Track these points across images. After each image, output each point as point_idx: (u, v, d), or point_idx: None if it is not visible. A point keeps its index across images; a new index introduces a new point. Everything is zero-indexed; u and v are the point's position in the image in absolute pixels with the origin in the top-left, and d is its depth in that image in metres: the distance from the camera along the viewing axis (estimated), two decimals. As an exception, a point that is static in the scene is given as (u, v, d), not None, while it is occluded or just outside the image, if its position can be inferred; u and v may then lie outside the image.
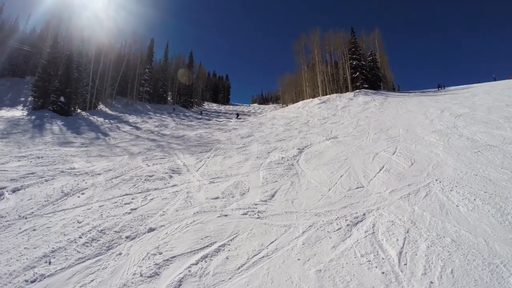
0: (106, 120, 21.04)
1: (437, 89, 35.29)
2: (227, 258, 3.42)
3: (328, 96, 34.44)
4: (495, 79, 33.90)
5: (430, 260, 3.17)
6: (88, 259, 3.33)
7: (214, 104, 59.81)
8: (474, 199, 4.64)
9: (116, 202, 5.11)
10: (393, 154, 7.93)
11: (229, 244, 3.75)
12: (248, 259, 3.40)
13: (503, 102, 14.93)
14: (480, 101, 16.88)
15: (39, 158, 8.01)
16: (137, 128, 18.54)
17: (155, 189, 5.99)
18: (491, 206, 4.35)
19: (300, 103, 35.60)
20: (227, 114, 37.29)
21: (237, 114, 32.84)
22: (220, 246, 3.69)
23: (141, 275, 3.03)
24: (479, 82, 34.51)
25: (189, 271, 3.13)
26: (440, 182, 5.55)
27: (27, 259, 3.24)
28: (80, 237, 3.78)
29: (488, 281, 2.81)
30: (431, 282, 2.83)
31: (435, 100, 21.01)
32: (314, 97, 37.63)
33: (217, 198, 5.52)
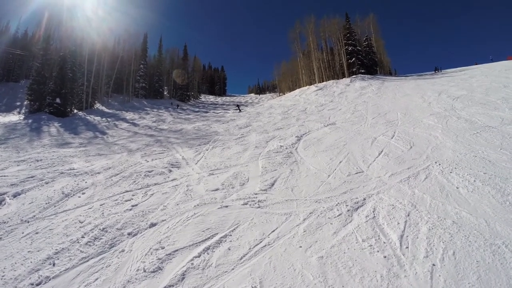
0: (103, 119, 20.89)
1: (434, 72, 35.01)
2: (229, 249, 3.44)
3: (324, 82, 34.16)
4: (492, 61, 33.68)
5: (431, 243, 3.19)
6: (91, 258, 3.34)
7: (211, 96, 59.41)
8: (474, 181, 4.65)
9: (116, 200, 5.11)
10: (392, 138, 7.91)
11: (231, 235, 3.77)
12: (250, 249, 3.42)
13: (501, 83, 14.86)
14: (478, 82, 16.80)
15: (38, 161, 7.96)
16: (135, 125, 18.42)
17: (155, 184, 5.99)
18: (491, 187, 4.36)
19: (297, 91, 35.33)
20: (224, 106, 36.98)
21: (237, 106, 29.10)
22: (221, 237, 3.71)
23: (144, 271, 3.05)
24: (476, 64, 34.26)
25: (192, 264, 3.15)
26: (439, 164, 5.55)
27: (31, 262, 3.25)
28: (83, 237, 3.78)
29: (490, 262, 2.83)
30: (433, 265, 2.85)
31: (432, 83, 20.85)
32: (310, 84, 37.27)
33: (217, 189, 5.53)
